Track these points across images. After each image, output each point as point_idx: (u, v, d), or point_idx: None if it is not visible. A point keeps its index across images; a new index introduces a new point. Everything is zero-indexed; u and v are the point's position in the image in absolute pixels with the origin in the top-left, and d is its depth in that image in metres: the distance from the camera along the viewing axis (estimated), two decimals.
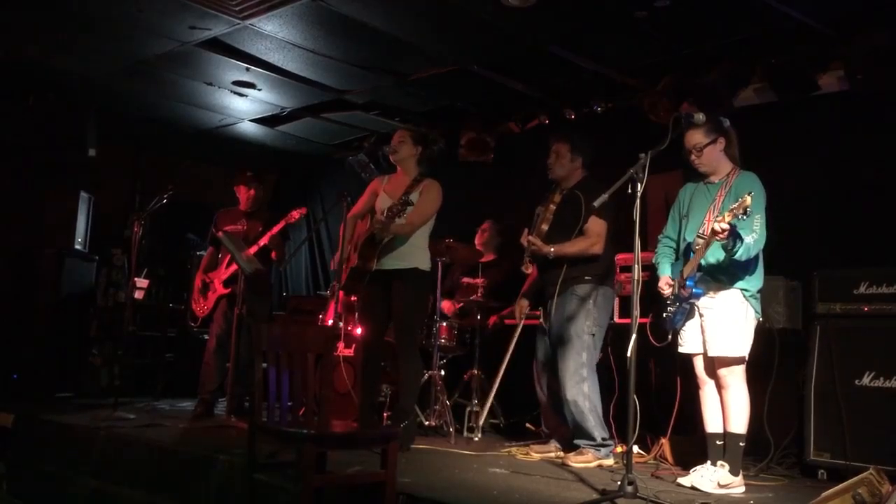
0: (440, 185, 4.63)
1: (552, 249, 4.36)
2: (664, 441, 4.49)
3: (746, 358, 3.77)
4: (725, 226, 3.48)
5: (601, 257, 4.43)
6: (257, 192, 5.81)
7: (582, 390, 4.30)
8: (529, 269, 4.48)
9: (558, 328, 4.42)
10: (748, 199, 3.40)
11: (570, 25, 5.04)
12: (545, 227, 4.50)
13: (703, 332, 3.83)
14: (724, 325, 3.75)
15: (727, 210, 3.50)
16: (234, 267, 5.47)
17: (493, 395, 5.15)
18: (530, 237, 4.44)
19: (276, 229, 5.45)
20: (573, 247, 4.39)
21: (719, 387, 3.83)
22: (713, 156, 3.90)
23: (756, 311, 3.79)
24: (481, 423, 5.24)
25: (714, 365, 3.82)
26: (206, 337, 5.75)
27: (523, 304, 4.84)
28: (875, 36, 4.59)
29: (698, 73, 5.33)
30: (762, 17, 4.66)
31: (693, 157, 3.90)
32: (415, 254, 4.56)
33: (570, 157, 4.57)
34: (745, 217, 3.44)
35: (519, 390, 5.35)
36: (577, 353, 4.33)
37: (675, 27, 4.92)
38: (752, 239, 3.57)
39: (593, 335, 4.38)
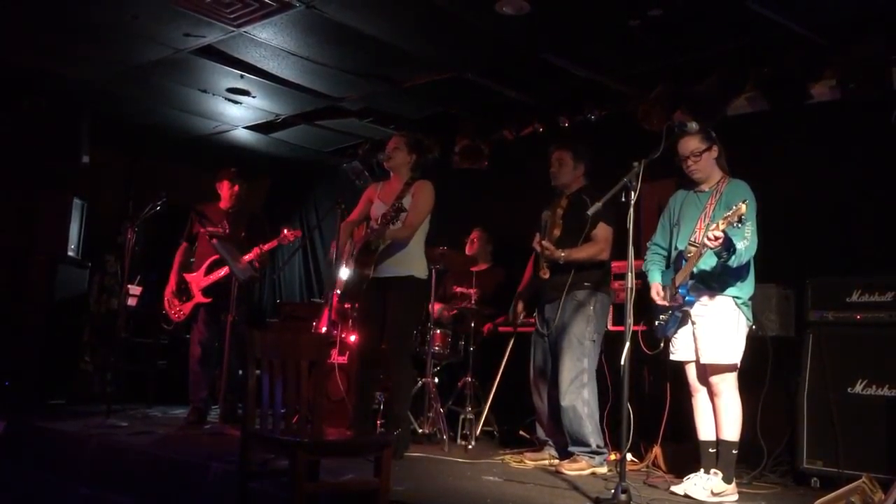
0: (432, 185, 4.63)
1: (563, 254, 4.36)
2: (657, 448, 4.49)
3: (738, 365, 3.78)
4: (719, 234, 3.50)
5: (601, 263, 4.46)
6: (241, 189, 5.70)
7: (582, 396, 4.30)
8: (548, 275, 4.47)
9: (559, 334, 4.42)
10: (743, 208, 3.42)
11: (563, 33, 5.06)
12: (557, 232, 4.50)
13: (695, 339, 3.84)
14: (715, 332, 3.75)
15: (721, 218, 3.52)
16: (214, 276, 5.40)
17: (489, 402, 5.12)
18: (543, 242, 4.43)
19: (267, 247, 5.37)
20: (583, 252, 4.39)
21: (711, 394, 3.83)
22: (708, 163, 3.92)
23: (748, 319, 3.80)
24: (478, 431, 5.19)
25: (706, 372, 3.82)
26: (190, 343, 5.68)
27: (519, 309, 4.82)
28: (867, 45, 4.61)
29: (692, 81, 5.35)
30: (755, 25, 4.69)
31: (690, 162, 3.91)
32: (411, 261, 4.55)
33: (573, 164, 4.60)
34: (739, 225, 3.46)
35: (513, 397, 5.35)
36: (578, 358, 4.34)
37: (668, 35, 4.94)
38: (744, 245, 3.59)
39: (594, 341, 4.39)
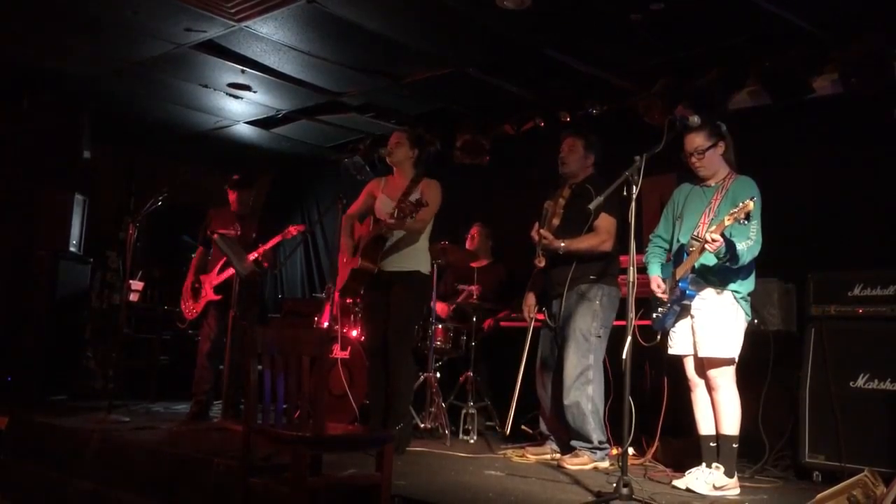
0: (439, 184, 4.62)
1: (563, 244, 4.31)
2: (658, 443, 4.49)
3: (736, 360, 3.77)
4: (717, 236, 3.49)
5: (606, 255, 4.41)
6: (243, 195, 5.83)
7: (586, 392, 4.28)
8: (543, 263, 4.42)
9: (564, 327, 4.39)
10: (751, 204, 3.40)
11: (565, 28, 5.05)
12: (556, 221, 4.45)
13: (693, 333, 3.84)
14: (714, 326, 3.75)
15: (728, 213, 3.50)
16: (226, 274, 5.48)
17: (515, 398, 5.04)
18: (541, 231, 4.39)
19: (271, 243, 5.45)
20: (583, 242, 4.33)
21: (710, 388, 3.83)
22: (714, 159, 3.89)
23: (746, 313, 3.79)
24: (509, 423, 5.03)
25: (704, 366, 3.82)
26: (200, 339, 5.75)
27: (531, 302, 4.69)
28: (869, 39, 4.60)
29: (693, 75, 5.34)
30: (757, 19, 4.68)
31: (694, 160, 3.89)
32: (417, 256, 4.54)
33: (584, 152, 4.56)
34: (745, 222, 3.45)
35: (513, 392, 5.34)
36: (584, 354, 4.30)
37: (669, 30, 4.93)
38: (747, 246, 3.58)
39: (599, 337, 4.35)
